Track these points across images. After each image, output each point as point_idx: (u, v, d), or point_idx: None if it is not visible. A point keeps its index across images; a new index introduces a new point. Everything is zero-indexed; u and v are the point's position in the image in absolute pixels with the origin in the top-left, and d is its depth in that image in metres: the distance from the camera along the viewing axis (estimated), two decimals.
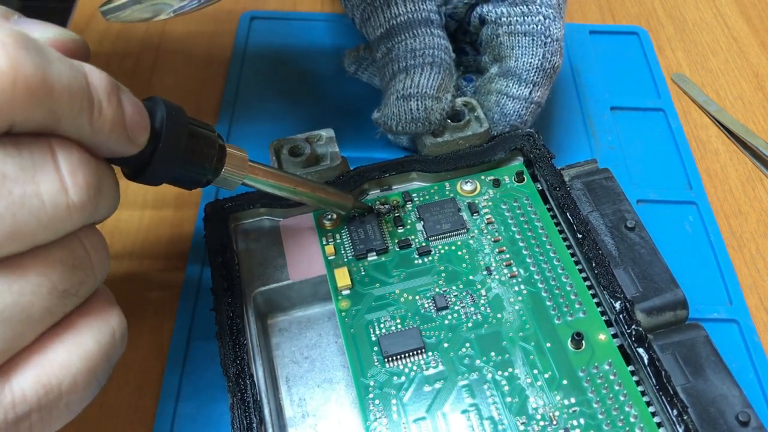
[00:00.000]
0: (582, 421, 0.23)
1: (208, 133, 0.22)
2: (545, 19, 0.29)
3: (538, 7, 0.29)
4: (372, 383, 0.24)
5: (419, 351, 0.24)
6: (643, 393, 0.23)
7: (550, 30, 0.29)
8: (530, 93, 0.29)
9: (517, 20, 0.29)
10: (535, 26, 0.29)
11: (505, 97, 0.30)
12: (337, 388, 0.25)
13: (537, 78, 0.29)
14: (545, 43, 0.29)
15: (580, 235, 0.26)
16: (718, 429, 0.22)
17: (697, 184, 0.33)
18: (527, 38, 0.29)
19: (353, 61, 0.35)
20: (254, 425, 0.23)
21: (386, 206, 0.28)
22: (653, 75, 0.38)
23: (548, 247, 0.27)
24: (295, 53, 0.39)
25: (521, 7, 0.29)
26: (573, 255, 0.27)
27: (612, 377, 0.24)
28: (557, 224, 0.28)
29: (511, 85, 0.30)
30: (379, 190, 0.29)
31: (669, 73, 0.39)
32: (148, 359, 0.28)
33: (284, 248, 0.28)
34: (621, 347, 0.24)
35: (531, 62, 0.29)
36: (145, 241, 0.31)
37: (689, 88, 0.38)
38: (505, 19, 0.30)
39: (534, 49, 0.29)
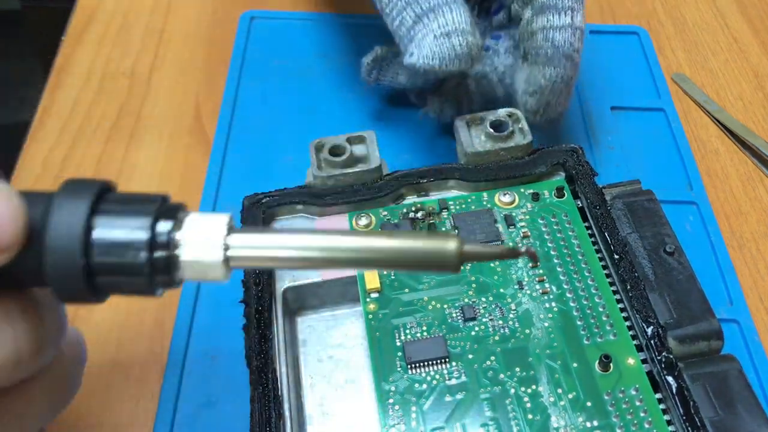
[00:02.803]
0: None
1: (126, 239, 0.14)
2: None
3: None
4: (393, 389, 0.24)
5: (443, 360, 0.24)
6: (669, 422, 0.23)
7: None
8: (572, 19, 0.30)
9: None
10: None
11: (551, 30, 0.29)
12: (359, 390, 0.25)
13: (572, 3, 0.30)
14: None
15: (616, 256, 0.26)
16: None
17: (697, 184, 0.33)
18: None
19: (373, 66, 0.33)
20: (273, 420, 0.23)
21: (422, 212, 0.28)
22: (653, 75, 0.38)
23: (583, 265, 0.26)
24: (295, 53, 0.38)
25: None
26: (608, 276, 0.26)
27: (638, 403, 0.23)
28: (594, 243, 0.27)
29: (551, 17, 0.30)
30: (416, 196, 0.29)
31: (669, 73, 0.39)
32: (147, 361, 0.28)
33: None
34: (650, 373, 0.24)
35: None
36: None
37: (689, 88, 0.38)
38: None
39: None
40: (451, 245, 0.15)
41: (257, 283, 0.25)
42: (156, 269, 0.14)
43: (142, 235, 0.14)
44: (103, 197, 0.15)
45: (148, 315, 0.29)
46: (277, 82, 0.37)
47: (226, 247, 0.14)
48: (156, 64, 0.38)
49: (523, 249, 0.16)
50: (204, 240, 0.15)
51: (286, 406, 0.23)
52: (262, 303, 0.25)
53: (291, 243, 0.15)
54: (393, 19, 0.30)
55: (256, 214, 0.27)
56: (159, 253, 0.14)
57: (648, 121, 0.36)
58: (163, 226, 0.15)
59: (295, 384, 0.25)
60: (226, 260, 0.15)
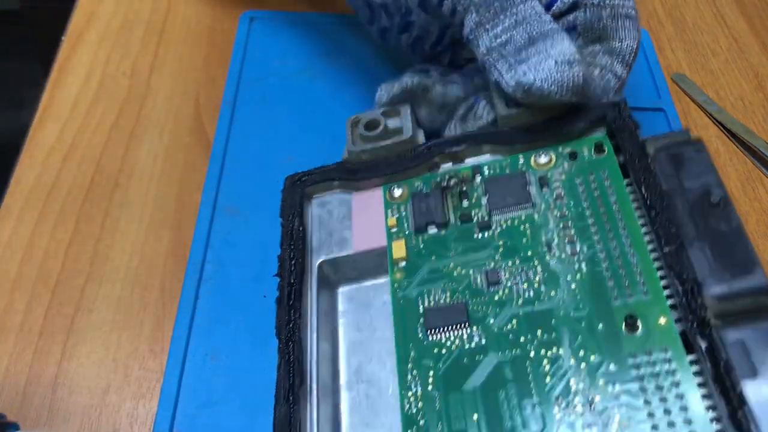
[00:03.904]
0: (624, 410, 0.21)
1: None
2: (635, 4, 0.30)
3: None
4: (413, 354, 0.24)
5: (464, 325, 0.24)
6: (701, 385, 0.21)
7: (638, 15, 0.30)
8: (626, 74, 0.30)
9: (619, 3, 0.30)
10: (633, 10, 0.30)
11: (610, 73, 0.30)
12: (391, 355, 0.25)
13: (632, 61, 0.29)
14: (638, 29, 0.29)
15: (654, 212, 0.24)
16: None
17: None
18: (629, 21, 0.30)
19: (400, 98, 0.30)
20: (295, 387, 0.23)
21: (454, 180, 0.28)
22: (653, 75, 0.38)
23: (619, 223, 0.25)
24: (295, 53, 0.38)
25: None
26: (646, 234, 0.24)
27: (666, 366, 0.21)
28: (634, 200, 0.25)
29: (615, 64, 0.30)
30: (450, 164, 0.28)
31: (669, 73, 0.39)
32: (147, 361, 0.28)
33: (352, 220, 0.28)
34: (683, 333, 0.22)
35: (632, 45, 0.29)
36: (145, 243, 0.31)
37: (689, 88, 0.38)
38: (608, 2, 0.30)
39: (634, 32, 0.30)
40: None
41: (291, 257, 0.26)
42: None
43: None
44: None
45: (148, 315, 0.29)
46: (277, 82, 0.37)
47: None
48: (156, 64, 0.38)
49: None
50: None
51: (309, 374, 0.24)
52: (295, 276, 0.26)
53: None
54: (495, 35, 0.29)
55: (296, 192, 0.28)
56: None
57: (648, 121, 0.36)
58: None
59: (333, 353, 0.26)
60: None
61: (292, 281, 0.26)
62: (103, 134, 0.35)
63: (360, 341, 0.26)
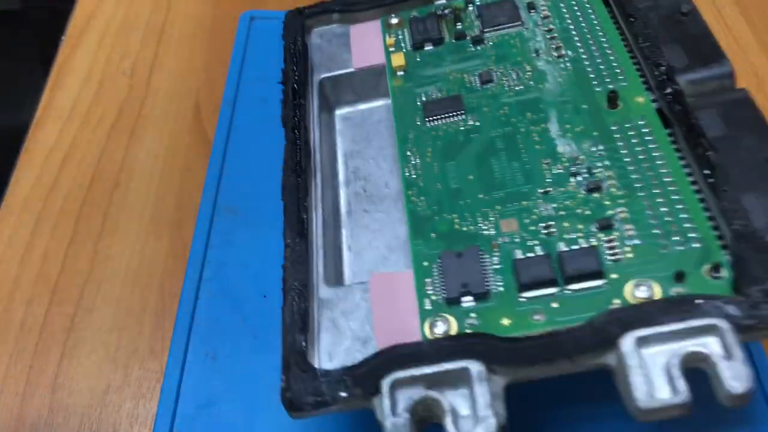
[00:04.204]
0: (607, 162, 0.23)
1: None
2: None
3: None
4: (411, 136, 0.26)
5: (459, 113, 0.27)
6: (675, 147, 0.23)
7: None
8: None
9: None
10: None
11: None
12: (388, 160, 0.28)
13: None
14: None
15: (632, 19, 0.27)
16: (744, 168, 0.21)
17: None
18: None
19: None
20: (302, 160, 0.26)
21: (448, 9, 0.30)
22: None
23: (599, 33, 0.27)
24: None
25: None
26: (624, 40, 0.27)
27: (644, 130, 0.24)
28: (613, 18, 0.28)
29: None
30: None
31: None
32: (147, 361, 0.28)
33: (351, 45, 0.31)
34: (659, 110, 0.24)
35: None
36: (145, 243, 0.32)
37: None
38: None
39: None
40: None
41: (295, 69, 0.29)
42: None
43: None
44: None
45: (148, 315, 0.29)
46: (277, 83, 0.37)
47: None
48: (156, 64, 0.38)
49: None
50: None
51: (314, 158, 0.27)
52: (298, 82, 0.28)
53: None
54: None
55: (297, 23, 0.31)
56: None
57: None
58: None
59: (330, 156, 0.28)
60: None
61: (296, 86, 0.28)
62: (103, 134, 0.35)
63: (356, 150, 0.29)
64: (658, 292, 0.20)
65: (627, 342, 0.18)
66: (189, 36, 0.39)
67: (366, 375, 0.19)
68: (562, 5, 0.29)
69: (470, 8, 0.30)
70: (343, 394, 0.19)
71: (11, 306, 0.29)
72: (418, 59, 0.29)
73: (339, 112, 0.30)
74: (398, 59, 0.29)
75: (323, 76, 0.30)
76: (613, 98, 0.25)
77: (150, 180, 0.33)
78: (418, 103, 0.27)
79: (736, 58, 0.40)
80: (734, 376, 0.17)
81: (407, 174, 0.25)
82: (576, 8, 0.29)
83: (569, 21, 0.29)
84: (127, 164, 0.34)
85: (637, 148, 0.23)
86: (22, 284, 0.30)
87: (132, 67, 0.38)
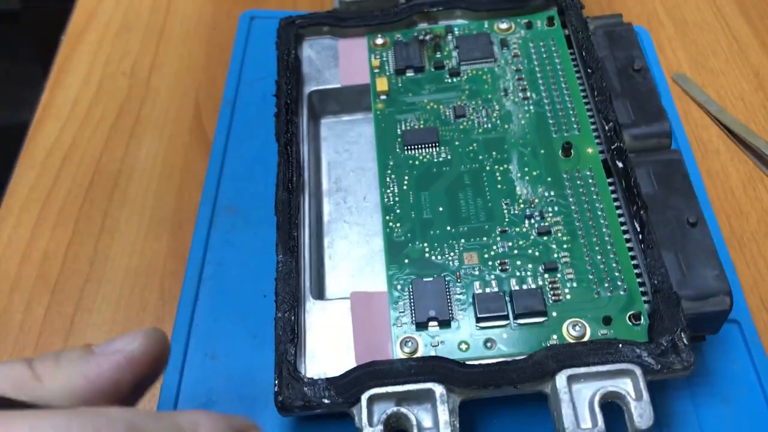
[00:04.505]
0: (556, 208, 0.27)
1: None
2: None
3: None
4: (391, 163, 0.29)
5: (434, 144, 0.30)
6: (614, 197, 0.27)
7: None
8: None
9: None
10: None
11: None
12: (367, 174, 0.31)
13: None
14: None
15: (590, 70, 0.30)
16: (668, 227, 0.25)
17: (698, 184, 0.33)
18: None
19: None
20: (294, 178, 0.28)
21: (429, 35, 0.33)
22: (654, 75, 0.38)
23: (561, 79, 0.31)
24: None
25: None
26: (582, 88, 0.30)
27: (590, 181, 0.28)
28: (575, 64, 0.31)
29: None
30: (426, 23, 0.34)
31: (670, 73, 0.39)
32: None
33: (339, 61, 0.33)
34: (604, 161, 0.28)
35: None
36: (145, 243, 0.32)
37: (690, 88, 0.38)
38: None
39: None
40: None
41: (287, 83, 0.31)
42: None
43: None
44: None
45: (148, 315, 0.29)
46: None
47: None
48: (156, 64, 0.38)
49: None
50: None
51: (305, 174, 0.29)
52: (291, 97, 0.30)
53: None
54: None
55: (290, 32, 0.32)
56: None
57: None
58: None
59: (316, 167, 0.31)
60: None
61: (288, 101, 0.30)
62: (103, 134, 0.35)
63: (338, 161, 0.31)
64: (587, 333, 0.24)
65: (561, 379, 0.22)
66: (189, 36, 0.39)
67: (346, 386, 0.23)
68: (531, 44, 0.32)
69: (449, 37, 0.33)
70: (326, 401, 0.23)
71: (11, 306, 0.29)
72: (400, 85, 0.32)
73: (324, 120, 0.33)
74: (382, 84, 0.32)
75: (312, 89, 0.32)
76: (567, 148, 0.29)
77: (150, 180, 0.33)
78: (399, 131, 0.30)
79: (736, 58, 0.40)
80: (641, 415, 0.21)
81: (386, 201, 0.28)
82: (543, 49, 0.32)
83: (536, 62, 0.32)
84: (127, 164, 0.34)
85: (582, 197, 0.28)
86: (22, 284, 0.30)
87: (132, 67, 0.38)
